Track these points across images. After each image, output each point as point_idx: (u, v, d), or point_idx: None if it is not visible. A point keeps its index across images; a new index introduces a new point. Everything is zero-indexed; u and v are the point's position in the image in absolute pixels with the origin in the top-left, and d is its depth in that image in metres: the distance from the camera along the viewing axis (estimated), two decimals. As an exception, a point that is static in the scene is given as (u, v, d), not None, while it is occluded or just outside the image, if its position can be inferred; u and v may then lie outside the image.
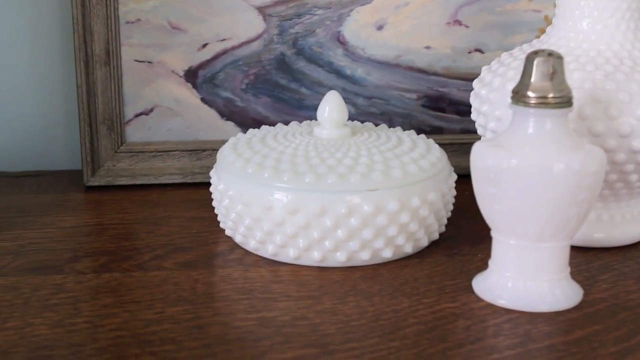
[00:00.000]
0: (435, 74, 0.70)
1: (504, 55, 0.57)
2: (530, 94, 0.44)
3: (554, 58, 0.44)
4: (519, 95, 0.44)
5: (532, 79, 0.44)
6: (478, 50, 0.70)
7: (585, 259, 0.53)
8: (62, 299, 0.47)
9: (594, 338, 0.43)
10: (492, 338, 0.43)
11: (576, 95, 0.50)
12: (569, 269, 0.47)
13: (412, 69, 0.69)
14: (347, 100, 0.67)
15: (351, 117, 0.67)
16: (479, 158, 0.45)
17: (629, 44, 0.53)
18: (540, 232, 0.45)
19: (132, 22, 0.66)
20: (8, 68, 0.70)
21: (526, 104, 0.44)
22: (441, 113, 0.70)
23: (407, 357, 0.41)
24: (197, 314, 0.46)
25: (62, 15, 0.69)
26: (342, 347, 0.42)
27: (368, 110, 0.69)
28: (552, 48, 0.54)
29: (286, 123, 0.62)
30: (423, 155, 0.54)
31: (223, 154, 0.55)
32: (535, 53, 0.44)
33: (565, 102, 0.44)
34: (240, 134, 0.59)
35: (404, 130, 0.61)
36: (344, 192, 0.50)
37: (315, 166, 0.51)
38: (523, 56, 0.53)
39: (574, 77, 0.51)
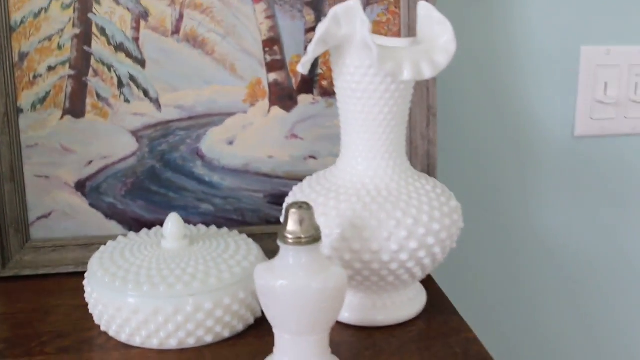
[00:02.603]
0: (278, 177, 0.90)
1: (307, 180, 0.77)
2: (287, 235, 0.64)
3: (304, 210, 0.64)
4: (281, 235, 0.64)
5: (288, 225, 0.64)
6: (312, 157, 0.90)
7: (359, 338, 0.73)
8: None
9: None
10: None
11: (340, 221, 0.70)
12: (329, 350, 0.67)
13: (258, 174, 0.89)
14: (206, 200, 0.87)
15: (210, 214, 0.88)
16: (256, 277, 0.65)
17: (387, 178, 0.73)
18: (298, 329, 0.65)
19: (32, 146, 0.86)
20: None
21: (285, 242, 0.64)
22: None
23: None
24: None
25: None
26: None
27: (224, 207, 0.89)
28: (335, 180, 0.74)
29: (157, 221, 0.83)
30: (239, 262, 0.74)
31: (92, 262, 0.75)
32: (291, 205, 0.64)
33: (313, 240, 0.64)
34: (110, 243, 0.78)
35: (250, 224, 0.82)
36: (171, 298, 0.69)
37: (152, 277, 0.71)
38: (322, 183, 0.74)
39: (341, 207, 0.71)
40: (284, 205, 0.73)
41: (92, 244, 0.87)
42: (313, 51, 0.69)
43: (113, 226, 0.88)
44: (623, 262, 1.09)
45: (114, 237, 0.83)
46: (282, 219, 0.68)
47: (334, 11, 0.69)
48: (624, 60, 1.02)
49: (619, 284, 1.11)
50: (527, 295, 1.09)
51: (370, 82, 0.71)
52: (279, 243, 0.65)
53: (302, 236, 0.64)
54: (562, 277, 1.09)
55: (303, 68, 0.70)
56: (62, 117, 0.86)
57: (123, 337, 0.72)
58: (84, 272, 0.84)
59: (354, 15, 0.69)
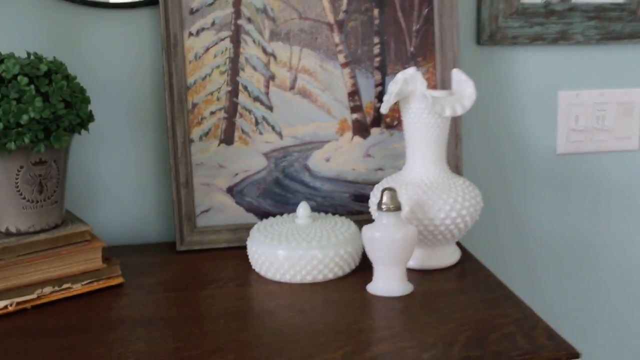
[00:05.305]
0: (358, 183, 1.42)
1: (377, 186, 1.30)
2: (383, 206, 1.16)
3: (392, 191, 1.16)
4: (379, 206, 1.17)
5: (383, 200, 1.16)
6: (380, 169, 1.43)
7: (420, 276, 1.25)
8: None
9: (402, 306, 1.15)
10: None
11: (410, 202, 1.22)
12: (406, 278, 1.19)
13: (346, 181, 1.42)
14: (311, 199, 1.40)
15: (314, 208, 1.40)
16: (364, 231, 1.17)
17: (436, 175, 1.25)
18: (388, 262, 1.16)
19: (199, 164, 1.38)
20: (136, 195, 1.43)
21: (381, 210, 1.16)
22: (362, 203, 1.42)
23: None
24: (224, 299, 1.17)
25: (162, 156, 1.42)
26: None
27: (323, 203, 1.42)
28: (403, 178, 1.26)
29: (279, 213, 1.35)
30: (346, 231, 1.26)
31: (252, 231, 1.28)
32: (385, 189, 1.16)
33: (397, 208, 1.16)
34: (260, 222, 1.30)
35: (341, 215, 1.34)
36: (309, 249, 1.21)
37: (295, 237, 1.23)
38: (396, 180, 1.26)
39: (409, 193, 1.23)
40: (380, 190, 1.26)
41: (237, 229, 1.39)
42: (393, 100, 1.22)
43: (251, 217, 1.40)
44: (594, 243, 1.63)
45: (252, 225, 1.35)
46: (373, 201, 1.20)
47: (404, 77, 1.22)
48: (589, 100, 1.56)
49: (592, 262, 1.64)
50: (524, 259, 1.61)
51: (425, 117, 1.24)
52: (377, 211, 1.17)
53: (392, 206, 1.16)
54: (548, 251, 1.61)
55: (385, 110, 1.23)
56: (218, 145, 1.39)
57: (277, 277, 1.23)
58: (233, 247, 1.37)
59: (416, 78, 1.22)
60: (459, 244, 1.35)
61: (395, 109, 1.41)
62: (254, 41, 1.38)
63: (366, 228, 1.18)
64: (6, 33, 1.33)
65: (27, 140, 1.10)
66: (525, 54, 1.52)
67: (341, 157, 1.42)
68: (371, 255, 1.18)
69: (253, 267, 1.27)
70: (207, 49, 1.37)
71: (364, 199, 1.42)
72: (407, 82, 1.22)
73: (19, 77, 1.11)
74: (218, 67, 1.37)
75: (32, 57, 1.18)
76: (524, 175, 1.57)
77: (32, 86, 1.11)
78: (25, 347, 1.02)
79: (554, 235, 1.61)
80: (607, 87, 1.56)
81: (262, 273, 1.25)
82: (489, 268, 1.28)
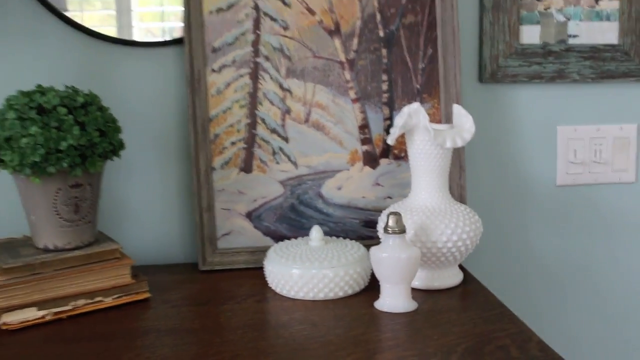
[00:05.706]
0: (368, 210, 1.54)
1: (385, 211, 1.40)
2: (389, 228, 1.27)
3: (398, 215, 1.27)
4: (385, 229, 1.28)
5: (389, 223, 1.27)
6: (389, 197, 1.54)
7: (424, 295, 1.35)
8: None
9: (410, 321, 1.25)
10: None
11: (415, 225, 1.33)
12: (410, 295, 1.29)
13: (356, 208, 1.53)
14: (324, 224, 1.51)
15: (326, 233, 1.51)
16: (372, 252, 1.28)
17: (439, 202, 1.36)
18: (394, 281, 1.27)
19: (220, 190, 1.50)
20: (161, 218, 1.55)
21: (387, 232, 1.27)
22: (371, 229, 1.53)
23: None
24: (248, 315, 1.28)
25: (186, 182, 1.54)
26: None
27: (335, 229, 1.53)
28: (409, 204, 1.37)
29: (295, 237, 1.46)
30: (355, 253, 1.37)
31: (269, 252, 1.39)
32: (391, 213, 1.27)
33: (402, 231, 1.26)
34: (276, 244, 1.42)
35: (351, 239, 1.45)
36: (321, 269, 1.32)
37: (309, 258, 1.34)
38: (402, 206, 1.37)
39: (414, 218, 1.34)
40: (386, 215, 1.37)
41: (255, 251, 1.50)
42: (398, 132, 1.33)
43: (268, 240, 1.51)
44: (590, 270, 1.72)
45: (269, 247, 1.46)
46: (380, 225, 1.31)
47: (408, 111, 1.34)
48: (586, 135, 1.67)
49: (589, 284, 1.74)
50: (522, 284, 1.71)
51: (428, 148, 1.35)
52: (384, 234, 1.28)
53: (397, 229, 1.27)
54: (547, 278, 1.72)
55: (391, 141, 1.35)
56: (238, 173, 1.50)
57: (292, 294, 1.34)
58: (251, 268, 1.48)
59: (419, 112, 1.34)
60: (463, 268, 1.46)
61: (403, 141, 1.52)
62: (271, 78, 1.50)
63: (374, 249, 1.29)
64: (46, 68, 1.46)
65: (65, 165, 1.22)
66: (525, 91, 1.64)
67: (352, 186, 1.53)
68: (378, 274, 1.29)
69: (269, 285, 1.38)
70: (228, 84, 1.49)
71: (373, 225, 1.53)
72: (411, 115, 1.34)
73: (58, 108, 1.23)
74: (238, 101, 1.49)
75: (70, 90, 1.30)
76: (526, 204, 1.68)
77: (71, 116, 1.23)
78: (62, 351, 1.14)
79: (554, 262, 1.71)
80: (603, 122, 1.67)
81: (278, 290, 1.36)
82: (490, 290, 1.38)
